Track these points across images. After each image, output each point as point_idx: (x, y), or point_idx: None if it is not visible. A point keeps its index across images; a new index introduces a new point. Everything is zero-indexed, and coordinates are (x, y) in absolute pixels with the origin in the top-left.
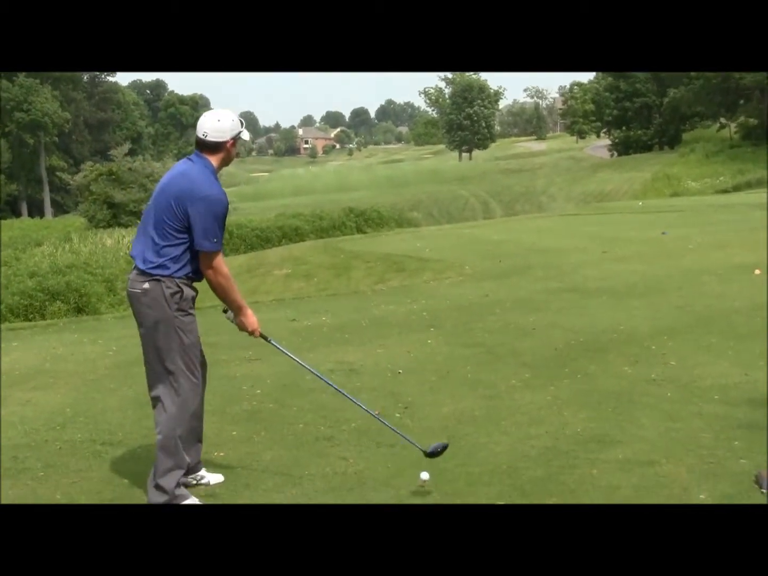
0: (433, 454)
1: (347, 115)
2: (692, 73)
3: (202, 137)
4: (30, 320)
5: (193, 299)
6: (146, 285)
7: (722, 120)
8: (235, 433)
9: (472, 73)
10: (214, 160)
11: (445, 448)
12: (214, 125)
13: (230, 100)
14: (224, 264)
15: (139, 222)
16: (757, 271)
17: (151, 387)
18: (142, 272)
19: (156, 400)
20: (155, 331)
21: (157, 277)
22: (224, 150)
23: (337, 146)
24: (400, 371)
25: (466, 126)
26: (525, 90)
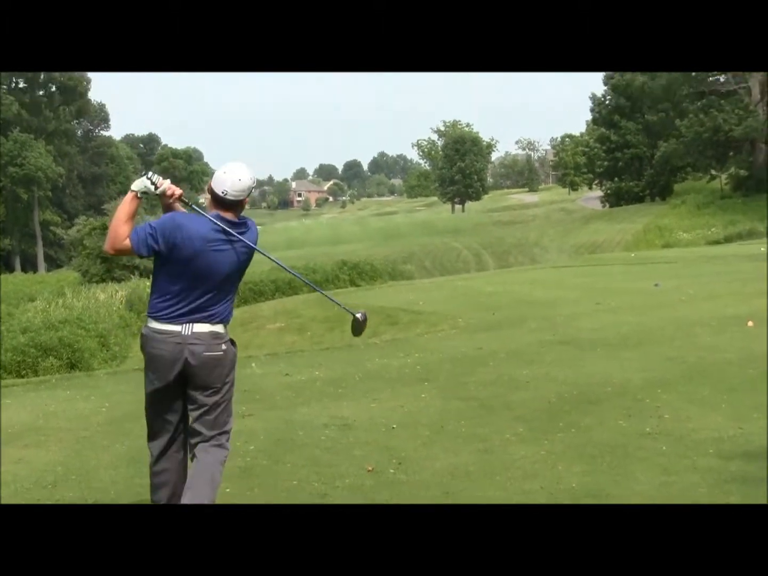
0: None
1: (340, 167)
2: (683, 127)
3: None
4: (22, 377)
5: (159, 361)
6: None
7: (713, 172)
8: (228, 489)
9: (464, 125)
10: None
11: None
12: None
13: (224, 153)
14: (121, 244)
15: (132, 276)
16: (750, 323)
17: None
18: None
19: None
20: None
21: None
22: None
23: (330, 199)
24: (394, 426)
25: (458, 180)
26: (516, 142)
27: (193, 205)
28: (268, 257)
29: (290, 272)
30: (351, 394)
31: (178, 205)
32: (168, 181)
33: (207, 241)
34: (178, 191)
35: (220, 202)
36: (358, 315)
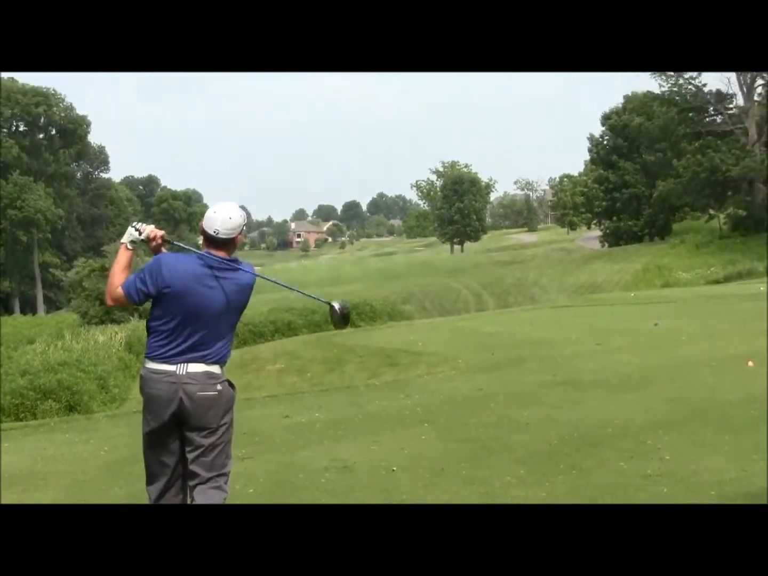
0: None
1: (339, 208)
2: (680, 167)
3: None
4: (21, 420)
5: (155, 401)
6: None
7: (711, 211)
8: None
9: (462, 165)
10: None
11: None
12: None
13: (223, 195)
14: (116, 296)
15: (131, 318)
16: (750, 363)
17: None
18: None
19: None
20: None
21: None
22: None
23: (330, 240)
24: (395, 468)
25: (457, 220)
26: (515, 182)
27: (177, 242)
28: (267, 279)
29: (287, 287)
30: (351, 436)
31: (164, 248)
32: (152, 226)
33: (195, 277)
34: (160, 233)
35: (212, 241)
36: (336, 305)
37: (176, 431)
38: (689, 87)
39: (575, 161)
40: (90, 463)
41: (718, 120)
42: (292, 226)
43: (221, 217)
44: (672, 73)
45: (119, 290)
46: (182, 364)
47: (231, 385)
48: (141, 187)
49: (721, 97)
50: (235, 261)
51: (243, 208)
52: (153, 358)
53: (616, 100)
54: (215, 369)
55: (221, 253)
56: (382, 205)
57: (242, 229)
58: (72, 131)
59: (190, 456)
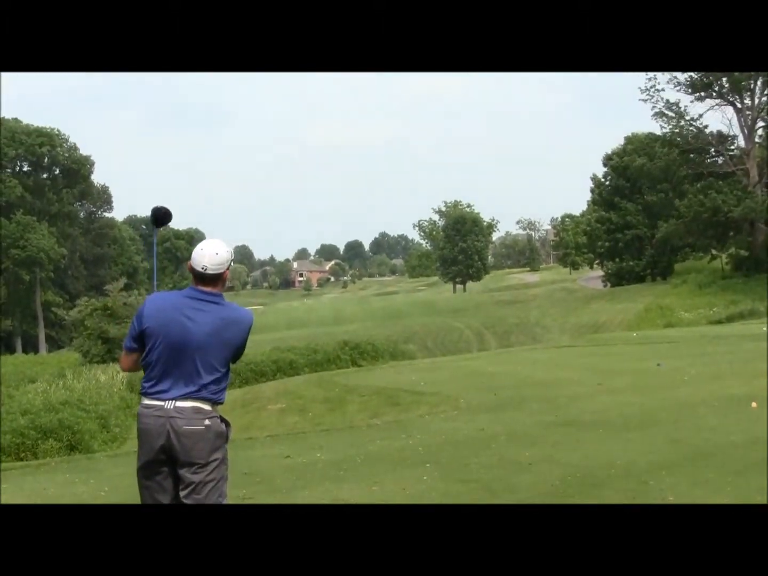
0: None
1: (341, 248)
2: (682, 207)
3: None
4: (21, 459)
5: (145, 435)
6: None
7: (713, 251)
8: None
9: (465, 205)
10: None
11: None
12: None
13: (225, 234)
14: (122, 359)
15: None
16: (754, 404)
17: None
18: None
19: None
20: None
21: None
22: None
23: (332, 279)
24: None
25: (459, 260)
26: (517, 222)
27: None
28: None
29: None
30: (352, 477)
31: None
32: None
33: (177, 308)
34: None
35: (201, 277)
36: None
37: (168, 468)
38: (690, 128)
39: (578, 202)
40: (90, 503)
41: (720, 161)
42: (295, 265)
43: (208, 253)
44: (673, 115)
45: (123, 350)
46: (171, 401)
47: (224, 421)
48: (144, 227)
49: (723, 139)
50: (220, 296)
51: (244, 247)
52: (146, 395)
53: (618, 141)
54: (205, 405)
55: (209, 289)
56: (384, 244)
57: (229, 263)
58: (75, 171)
59: (182, 494)
